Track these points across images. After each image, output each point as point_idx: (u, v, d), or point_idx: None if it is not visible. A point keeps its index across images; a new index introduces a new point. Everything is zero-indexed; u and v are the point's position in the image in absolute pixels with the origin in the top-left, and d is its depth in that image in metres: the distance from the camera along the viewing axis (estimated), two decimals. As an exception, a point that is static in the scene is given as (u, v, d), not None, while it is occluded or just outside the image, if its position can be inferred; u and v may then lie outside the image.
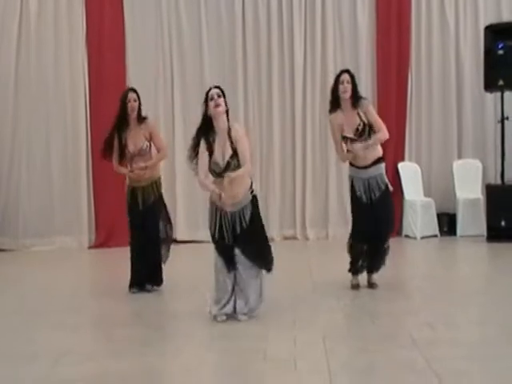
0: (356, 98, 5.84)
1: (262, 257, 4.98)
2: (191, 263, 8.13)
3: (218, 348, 4.39)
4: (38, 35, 9.53)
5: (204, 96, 4.91)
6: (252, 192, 4.95)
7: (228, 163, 4.76)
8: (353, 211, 6.08)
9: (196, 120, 5.08)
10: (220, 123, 4.84)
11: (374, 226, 5.85)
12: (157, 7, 9.70)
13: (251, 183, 4.97)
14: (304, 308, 5.43)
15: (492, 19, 9.54)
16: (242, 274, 4.92)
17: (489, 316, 5.13)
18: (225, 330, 4.78)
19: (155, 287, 6.21)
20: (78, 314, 5.51)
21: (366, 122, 5.81)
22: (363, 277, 6.08)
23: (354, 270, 6.06)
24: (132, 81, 9.21)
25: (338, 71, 6.14)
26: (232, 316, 4.97)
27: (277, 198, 9.81)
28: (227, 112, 4.88)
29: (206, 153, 4.83)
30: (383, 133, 5.83)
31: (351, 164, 6.00)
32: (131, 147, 6.04)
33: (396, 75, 9.79)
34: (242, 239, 4.90)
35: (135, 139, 6.05)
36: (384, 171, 6.01)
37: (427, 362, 3.85)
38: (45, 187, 9.57)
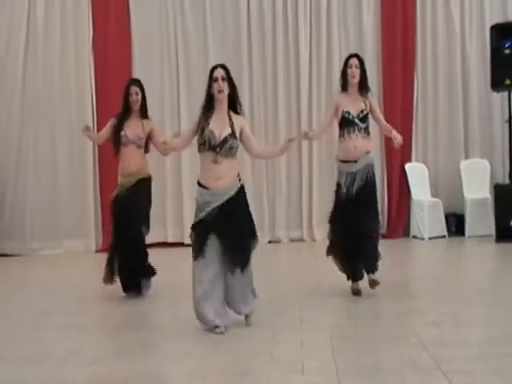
0: (364, 85, 5.72)
1: (239, 252, 4.72)
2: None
3: (225, 350, 4.36)
4: (44, 37, 9.59)
5: (208, 73, 4.88)
6: (240, 180, 4.81)
7: (225, 139, 4.71)
8: (334, 210, 5.79)
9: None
10: (221, 105, 4.85)
11: (356, 224, 5.54)
12: (162, 2, 9.73)
13: (238, 173, 4.83)
14: (310, 309, 5.41)
15: (498, 19, 9.52)
16: (234, 275, 4.72)
17: (496, 315, 5.09)
18: (231, 332, 4.75)
19: (149, 283, 6.06)
20: (84, 317, 5.51)
21: (368, 111, 5.70)
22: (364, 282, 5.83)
23: (351, 275, 5.78)
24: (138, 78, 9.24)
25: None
26: (233, 320, 4.90)
27: (283, 198, 9.78)
28: (234, 91, 4.86)
29: (193, 129, 4.86)
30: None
31: (340, 160, 5.75)
32: (128, 132, 5.96)
33: (402, 75, 9.76)
34: (225, 230, 4.67)
35: (134, 127, 6.00)
36: (373, 162, 5.75)
37: (435, 362, 3.82)
38: (52, 191, 9.60)
